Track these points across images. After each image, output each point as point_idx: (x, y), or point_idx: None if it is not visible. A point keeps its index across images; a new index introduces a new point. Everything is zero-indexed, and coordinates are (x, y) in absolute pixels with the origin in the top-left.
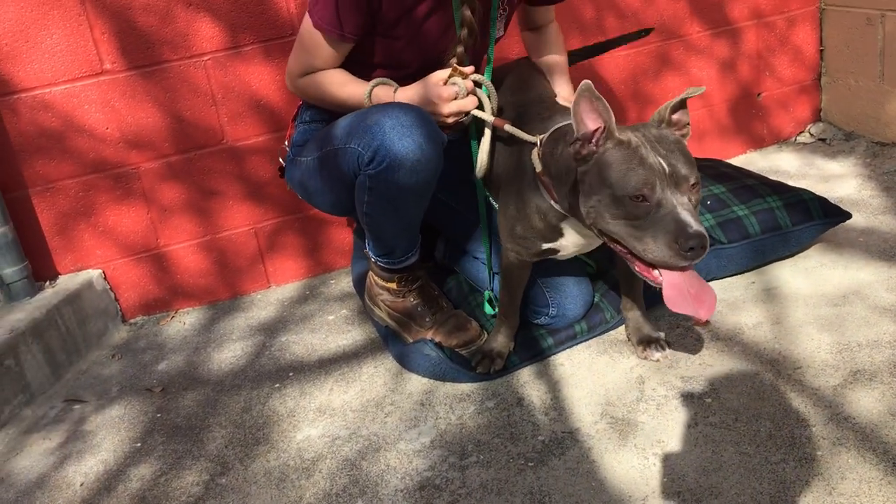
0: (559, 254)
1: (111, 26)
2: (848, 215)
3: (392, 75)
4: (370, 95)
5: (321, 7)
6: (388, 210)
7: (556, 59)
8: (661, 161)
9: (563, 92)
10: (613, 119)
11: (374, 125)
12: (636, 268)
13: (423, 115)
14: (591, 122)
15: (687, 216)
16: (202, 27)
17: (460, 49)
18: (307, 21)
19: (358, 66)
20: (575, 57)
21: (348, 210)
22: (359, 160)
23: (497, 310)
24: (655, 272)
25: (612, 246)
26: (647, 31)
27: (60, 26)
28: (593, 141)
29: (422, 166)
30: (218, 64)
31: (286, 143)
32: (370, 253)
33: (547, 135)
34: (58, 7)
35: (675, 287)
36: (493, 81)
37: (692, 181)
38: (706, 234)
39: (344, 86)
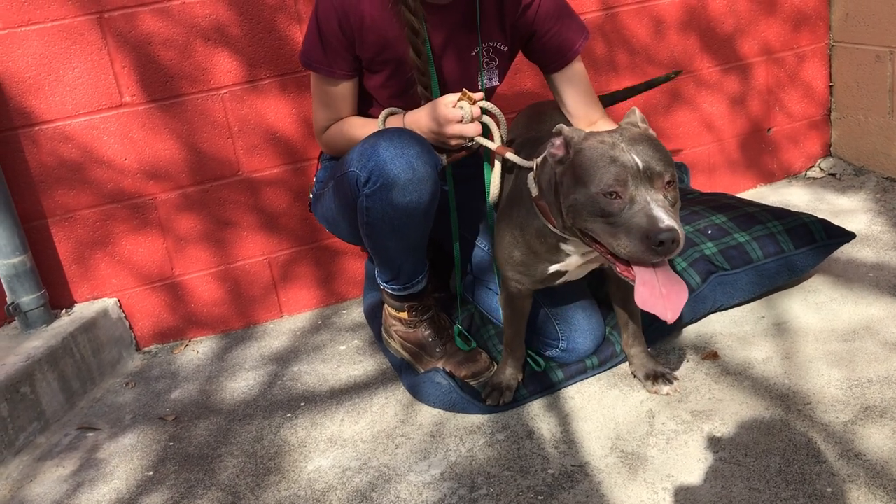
0: (565, 276)
1: (131, 60)
2: (851, 235)
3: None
4: (384, 124)
5: (306, 45)
6: (386, 231)
7: None
8: (635, 157)
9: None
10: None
11: (370, 147)
12: (617, 268)
13: (417, 137)
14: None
15: (659, 211)
16: (220, 61)
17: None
18: (311, 74)
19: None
20: (603, 102)
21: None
22: (357, 182)
23: (472, 346)
24: (633, 270)
25: (592, 246)
26: (676, 74)
27: (82, 60)
28: (559, 146)
29: (414, 186)
30: (235, 97)
31: (314, 178)
32: (378, 280)
33: (541, 157)
34: (80, 41)
35: (647, 284)
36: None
37: (667, 178)
38: (678, 228)
39: (363, 127)
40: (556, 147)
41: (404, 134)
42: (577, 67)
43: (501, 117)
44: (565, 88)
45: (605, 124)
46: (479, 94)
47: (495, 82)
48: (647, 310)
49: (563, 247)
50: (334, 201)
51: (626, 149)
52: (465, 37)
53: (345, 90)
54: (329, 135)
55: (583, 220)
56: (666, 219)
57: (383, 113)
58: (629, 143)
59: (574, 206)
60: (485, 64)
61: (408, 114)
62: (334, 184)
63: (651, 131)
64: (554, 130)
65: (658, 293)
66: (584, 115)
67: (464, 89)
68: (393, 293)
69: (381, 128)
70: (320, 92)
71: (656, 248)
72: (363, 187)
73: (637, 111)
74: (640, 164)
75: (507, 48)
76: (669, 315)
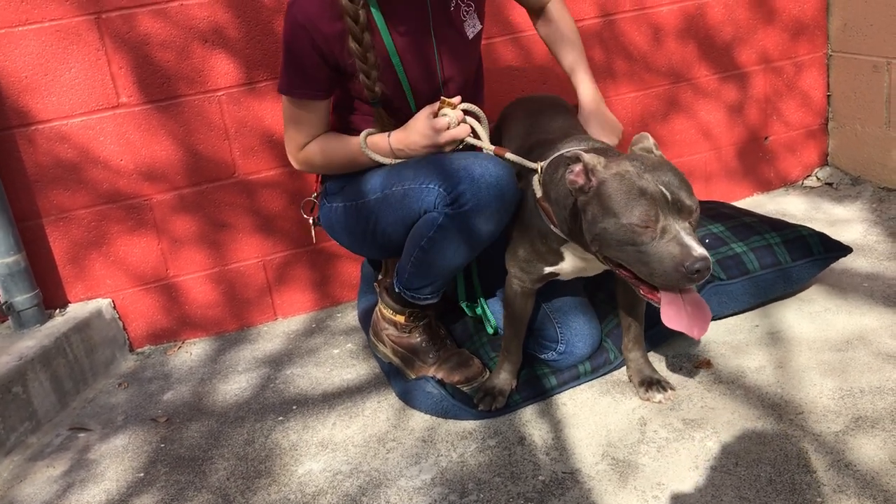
0: (559, 277)
1: (128, 61)
2: (849, 250)
3: (395, 117)
4: (365, 142)
5: (283, 74)
6: (446, 252)
7: (568, 37)
8: (663, 189)
9: (585, 90)
10: (597, 159)
11: (462, 170)
12: (641, 291)
13: (508, 169)
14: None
15: (690, 240)
16: (217, 63)
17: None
18: (284, 97)
19: (362, 116)
20: None
21: (392, 252)
22: (437, 198)
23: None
24: (659, 293)
25: (616, 271)
26: None
27: (79, 60)
28: (579, 173)
29: (499, 216)
30: (232, 99)
31: (314, 195)
32: (395, 283)
33: (547, 162)
34: (77, 42)
35: (673, 304)
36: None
37: (693, 207)
38: (709, 256)
39: (339, 144)
40: (575, 174)
41: (495, 163)
42: None
43: (482, 115)
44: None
45: (561, 6)
46: (457, 98)
47: (479, 26)
48: (675, 328)
49: (563, 248)
50: (377, 213)
51: (652, 179)
52: None
53: (321, 109)
54: (308, 153)
55: (611, 248)
56: (698, 248)
57: (362, 135)
58: (654, 172)
59: (602, 236)
60: (464, 14)
61: (392, 135)
62: (386, 196)
63: (664, 157)
64: (569, 155)
65: (684, 312)
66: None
67: (441, 97)
68: (406, 298)
69: (363, 144)
70: (296, 115)
71: (691, 275)
72: (446, 206)
73: (649, 137)
74: (669, 196)
75: None
76: (696, 332)
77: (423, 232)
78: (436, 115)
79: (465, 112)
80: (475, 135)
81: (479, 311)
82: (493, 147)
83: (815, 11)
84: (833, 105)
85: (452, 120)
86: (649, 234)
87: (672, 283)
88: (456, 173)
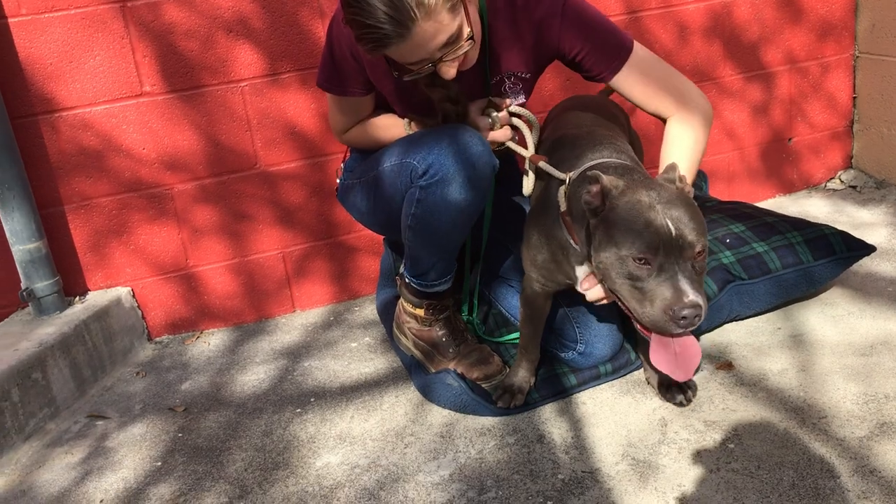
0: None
1: (153, 50)
2: (871, 248)
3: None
4: (409, 126)
5: (320, 68)
6: (431, 226)
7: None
8: (670, 224)
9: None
10: (616, 183)
11: (432, 141)
12: (636, 325)
13: (479, 137)
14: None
15: (685, 285)
16: (241, 54)
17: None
18: None
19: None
20: None
21: (397, 229)
22: (412, 173)
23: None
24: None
25: (616, 300)
26: None
27: (104, 48)
28: (595, 195)
29: (471, 184)
30: (255, 90)
31: (342, 165)
32: (405, 273)
33: (577, 173)
34: (102, 30)
35: (661, 343)
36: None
37: (698, 248)
38: (702, 304)
39: (385, 127)
40: (591, 195)
41: (467, 132)
42: (626, 73)
43: (533, 119)
44: (621, 91)
45: (678, 123)
46: (507, 101)
47: (522, 99)
48: (660, 368)
49: (585, 267)
50: (375, 191)
51: (662, 212)
52: (484, 71)
53: (363, 102)
54: (351, 135)
55: (611, 280)
56: (691, 293)
57: (406, 121)
58: (666, 205)
59: (603, 264)
60: (508, 89)
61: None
62: (376, 174)
63: (688, 189)
64: (591, 175)
65: (672, 353)
66: (652, 111)
67: (489, 97)
68: (417, 288)
69: (407, 128)
70: (338, 104)
71: (678, 321)
72: (419, 179)
73: (678, 168)
74: (674, 232)
75: (529, 74)
76: (680, 375)
77: (407, 210)
78: (482, 112)
79: (514, 114)
80: (521, 139)
81: (470, 318)
82: (530, 154)
83: (843, 12)
84: (859, 107)
85: (496, 122)
86: (645, 271)
87: (658, 327)
88: (426, 146)
